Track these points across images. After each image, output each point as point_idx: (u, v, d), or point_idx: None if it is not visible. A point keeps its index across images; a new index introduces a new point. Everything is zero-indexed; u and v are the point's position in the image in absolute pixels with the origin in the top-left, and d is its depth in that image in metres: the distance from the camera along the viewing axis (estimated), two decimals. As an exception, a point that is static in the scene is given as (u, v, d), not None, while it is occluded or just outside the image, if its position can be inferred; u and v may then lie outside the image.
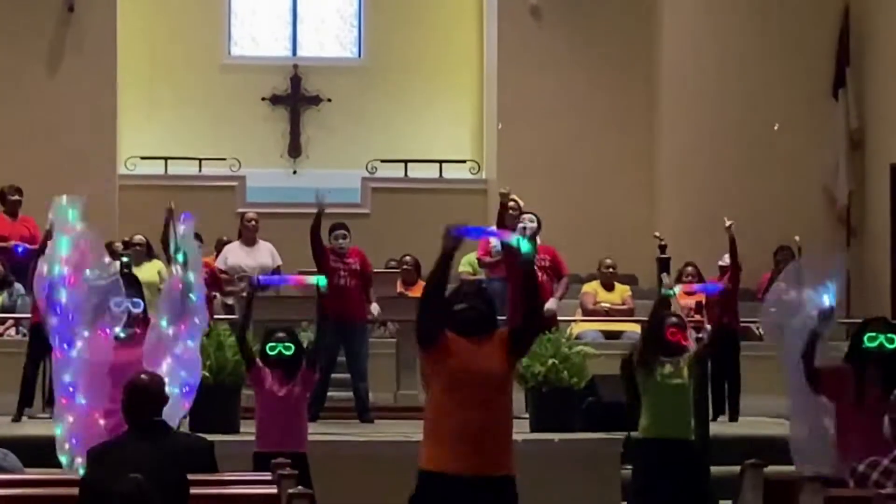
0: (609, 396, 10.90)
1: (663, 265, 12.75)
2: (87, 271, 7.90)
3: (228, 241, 14.58)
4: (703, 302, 13.26)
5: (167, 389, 6.72)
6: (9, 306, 13.76)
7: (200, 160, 17.74)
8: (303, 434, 8.65)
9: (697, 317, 12.93)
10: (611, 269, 14.81)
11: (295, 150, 18.27)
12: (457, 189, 17.74)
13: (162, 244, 13.09)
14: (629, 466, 9.93)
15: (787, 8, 16.89)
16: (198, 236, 13.00)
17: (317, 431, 9.64)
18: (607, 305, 14.62)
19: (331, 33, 18.80)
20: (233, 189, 17.46)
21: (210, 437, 6.96)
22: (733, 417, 12.84)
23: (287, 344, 8.68)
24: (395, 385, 12.81)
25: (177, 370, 7.89)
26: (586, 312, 14.62)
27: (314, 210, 11.78)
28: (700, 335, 12.12)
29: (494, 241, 12.72)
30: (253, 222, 14.26)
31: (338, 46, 18.83)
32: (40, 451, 8.33)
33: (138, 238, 14.05)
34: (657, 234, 13.39)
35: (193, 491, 4.18)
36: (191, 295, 8.10)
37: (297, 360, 8.71)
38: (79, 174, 16.40)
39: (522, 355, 7.18)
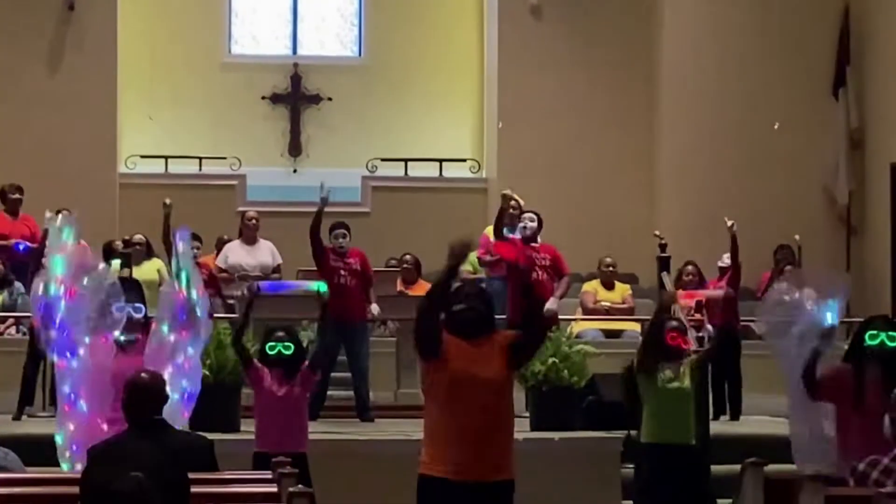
0: (609, 395, 10.91)
1: (663, 264, 12.77)
2: (84, 280, 7.87)
3: (229, 240, 14.60)
4: (704, 301, 13.26)
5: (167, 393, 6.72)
6: (9, 305, 13.77)
7: (201, 159, 17.73)
8: (303, 434, 8.63)
9: (697, 316, 12.93)
10: (611, 268, 14.81)
11: (295, 148, 18.27)
12: (457, 188, 17.74)
13: (163, 242, 13.11)
14: (629, 465, 9.95)
15: (787, 7, 16.90)
16: (196, 236, 13.09)
17: (317, 430, 9.64)
18: (607, 304, 14.63)
19: (331, 32, 18.80)
20: (233, 188, 17.46)
21: (210, 436, 6.97)
22: (735, 417, 12.84)
23: (287, 343, 8.66)
24: (396, 384, 12.81)
25: (178, 378, 7.87)
26: (586, 311, 14.63)
27: (314, 209, 11.79)
28: (700, 334, 12.14)
29: (494, 241, 12.72)
30: (253, 221, 14.27)
31: (338, 45, 18.83)
32: (41, 450, 8.32)
33: (138, 237, 14.05)
34: (657, 233, 13.42)
35: (194, 489, 4.18)
36: (196, 309, 8.07)
37: (296, 359, 8.70)
38: (79, 173, 16.44)
39: (521, 367, 7.20)
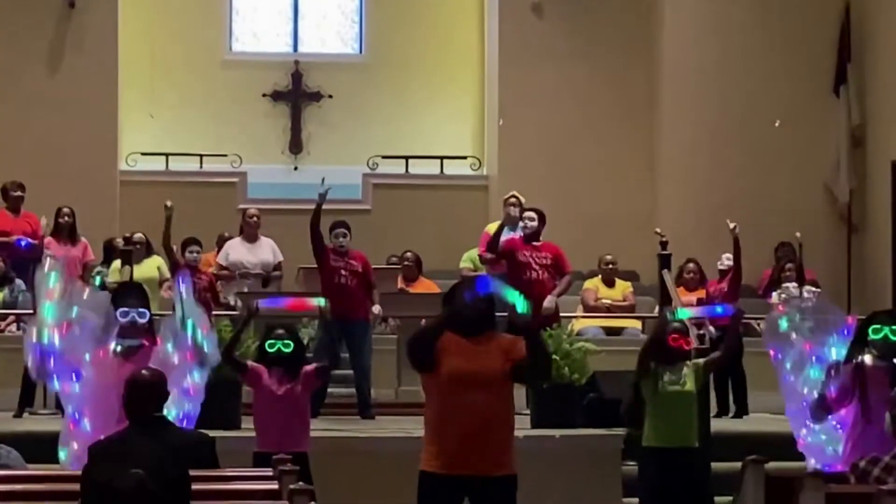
0: (610, 393, 10.90)
1: (664, 262, 12.76)
2: (74, 310, 7.80)
3: (230, 237, 14.60)
4: (706, 298, 13.25)
5: (165, 412, 6.68)
6: (10, 302, 13.78)
7: (201, 156, 17.74)
8: (304, 433, 8.54)
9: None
10: (611, 266, 14.82)
11: (296, 146, 18.27)
12: (458, 185, 17.74)
13: (163, 246, 13.14)
14: (630, 462, 9.95)
15: (788, 4, 16.89)
16: (196, 241, 13.10)
17: (318, 428, 9.63)
18: (608, 302, 14.63)
19: (332, 29, 18.79)
20: (234, 185, 17.45)
21: (211, 434, 6.97)
22: (739, 414, 12.81)
23: (286, 341, 8.60)
24: (397, 381, 12.82)
25: (181, 400, 7.82)
26: (587, 309, 14.63)
27: (315, 205, 11.78)
28: (701, 332, 12.12)
29: (496, 230, 12.69)
30: (254, 218, 14.27)
31: (339, 42, 18.82)
32: (42, 448, 8.33)
33: (138, 236, 14.05)
34: (658, 230, 13.39)
35: (195, 487, 4.18)
36: (204, 347, 8.02)
37: (296, 357, 8.63)
38: (80, 170, 16.44)
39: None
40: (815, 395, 7.90)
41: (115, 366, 7.60)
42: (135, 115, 17.72)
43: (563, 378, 10.96)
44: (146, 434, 6.24)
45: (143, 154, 17.64)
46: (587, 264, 15.30)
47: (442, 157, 17.92)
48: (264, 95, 18.26)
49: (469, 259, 14.20)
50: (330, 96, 18.30)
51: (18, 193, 14.63)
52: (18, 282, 13.75)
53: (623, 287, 14.87)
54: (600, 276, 14.86)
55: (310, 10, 18.73)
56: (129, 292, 8.14)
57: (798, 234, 14.30)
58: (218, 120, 18.02)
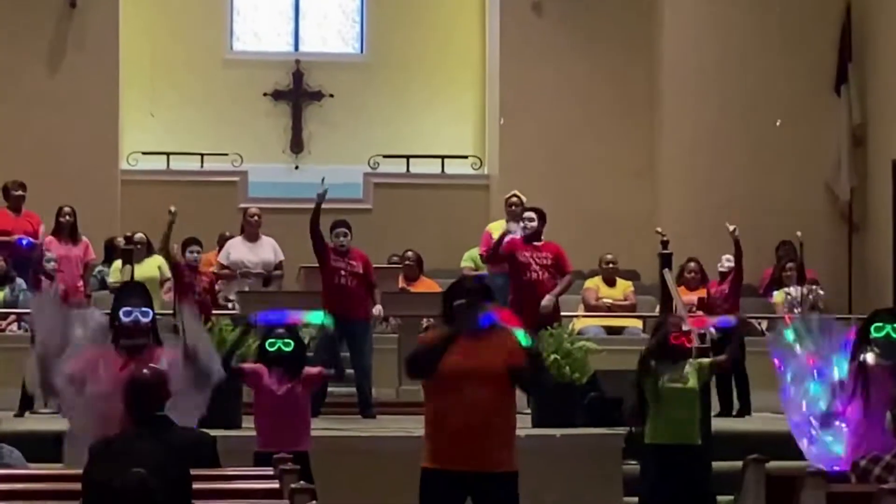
0: (611, 392, 10.90)
1: (665, 261, 12.76)
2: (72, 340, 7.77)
3: (231, 237, 14.61)
4: (706, 298, 13.26)
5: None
6: (10, 301, 13.79)
7: (202, 155, 17.74)
8: (305, 433, 8.52)
9: (700, 313, 12.93)
10: (611, 265, 14.83)
11: (297, 145, 18.27)
12: (459, 185, 17.74)
13: (161, 250, 13.16)
14: (631, 461, 9.95)
15: (788, 3, 16.89)
16: (197, 241, 13.09)
17: (319, 427, 9.62)
18: (609, 301, 14.64)
19: (333, 29, 18.79)
20: (235, 184, 17.45)
21: (212, 433, 6.96)
22: (743, 413, 12.79)
23: (287, 340, 8.59)
24: (398, 381, 12.82)
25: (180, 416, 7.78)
26: (588, 308, 14.63)
27: (314, 205, 11.79)
28: (702, 331, 12.11)
29: (497, 237, 12.69)
30: (255, 217, 14.28)
31: (340, 42, 18.82)
32: (43, 447, 8.33)
33: (139, 236, 14.06)
34: (659, 229, 13.39)
35: (196, 486, 4.17)
36: (209, 376, 7.97)
37: (297, 357, 8.62)
38: (81, 170, 16.44)
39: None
40: (820, 409, 7.88)
41: (112, 372, 7.58)
42: (136, 114, 17.72)
43: (564, 377, 10.96)
44: (147, 433, 6.22)
45: (144, 153, 17.64)
46: (588, 263, 15.31)
47: (443, 157, 17.92)
48: (265, 95, 18.26)
49: (470, 258, 14.20)
50: (331, 95, 18.30)
51: (19, 193, 14.64)
52: (19, 281, 13.76)
53: (624, 286, 14.88)
54: (601, 275, 14.87)
55: (311, 9, 18.73)
56: (131, 292, 8.11)
57: (799, 234, 14.31)
58: (219, 119, 18.02)
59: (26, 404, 11.98)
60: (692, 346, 8.82)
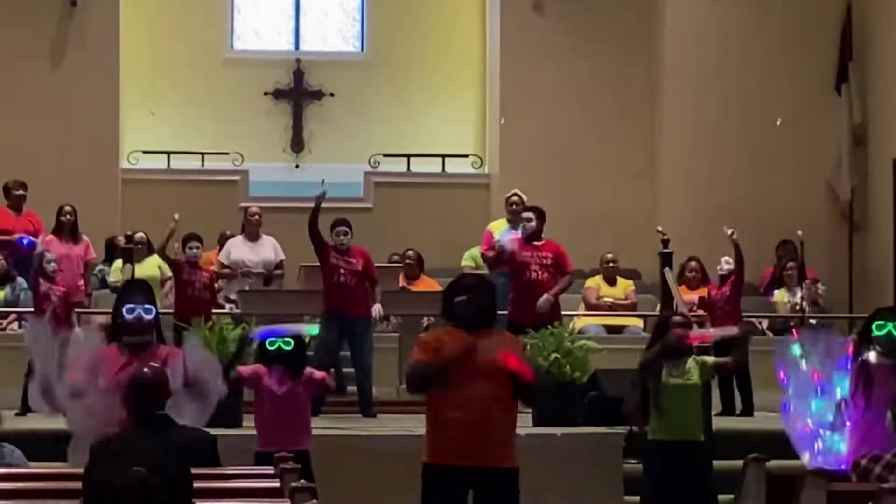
0: (611, 391, 10.89)
1: (666, 260, 12.76)
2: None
3: (231, 236, 14.61)
4: (707, 295, 13.25)
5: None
6: (11, 300, 13.80)
7: (203, 154, 17.74)
8: (306, 432, 8.54)
9: (700, 312, 12.93)
10: (611, 264, 14.83)
11: (297, 144, 18.27)
12: (459, 183, 17.74)
13: (159, 253, 13.18)
14: (632, 460, 9.95)
15: (789, 2, 16.87)
16: (197, 236, 13.10)
17: (319, 426, 9.63)
18: (610, 300, 14.64)
19: (333, 27, 18.79)
20: (235, 183, 17.45)
21: (212, 432, 6.97)
22: (746, 413, 12.76)
23: (287, 339, 8.61)
24: (398, 380, 12.82)
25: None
26: (589, 307, 14.63)
27: (312, 207, 11.79)
28: (707, 344, 12.10)
29: (498, 237, 12.70)
30: (256, 217, 14.27)
31: (340, 41, 18.82)
32: (44, 446, 8.34)
33: (139, 236, 14.07)
34: (660, 228, 13.40)
35: (196, 485, 4.17)
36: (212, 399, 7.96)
37: (297, 356, 8.63)
38: (81, 169, 16.43)
39: None
40: (828, 421, 7.89)
41: (121, 363, 7.58)
42: (136, 113, 17.72)
43: (565, 376, 10.97)
44: (148, 432, 6.23)
45: (145, 152, 17.63)
46: (588, 263, 15.31)
47: (443, 156, 17.92)
48: (266, 94, 18.26)
49: (471, 257, 14.21)
50: (331, 94, 18.30)
51: (20, 192, 14.65)
52: (20, 280, 13.77)
53: (625, 285, 14.88)
54: (602, 274, 14.87)
55: (311, 8, 18.72)
56: (135, 289, 8.12)
57: (800, 233, 14.30)
58: (219, 118, 18.02)
59: (28, 403, 11.98)
60: (693, 343, 8.82)
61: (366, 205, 17.28)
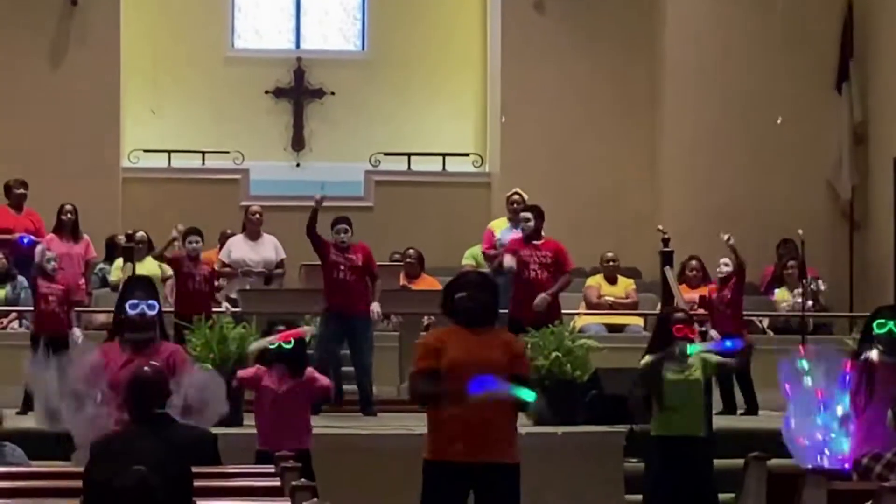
0: (612, 389, 10.90)
1: (666, 259, 12.76)
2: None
3: (232, 234, 14.60)
4: (708, 297, 13.24)
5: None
6: (12, 299, 13.80)
7: (204, 153, 17.73)
8: (306, 431, 8.55)
9: (701, 311, 12.92)
10: (613, 263, 14.82)
11: (298, 143, 18.26)
12: (460, 182, 17.73)
13: (158, 256, 13.18)
14: (633, 459, 9.96)
15: (790, 0, 16.86)
16: (198, 230, 13.11)
17: (320, 425, 9.64)
18: (611, 299, 14.64)
19: (334, 26, 18.78)
20: (236, 182, 17.44)
21: (213, 430, 6.97)
22: (749, 413, 12.74)
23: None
24: (399, 378, 12.82)
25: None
26: (590, 306, 14.63)
27: (311, 211, 11.81)
28: (703, 328, 12.12)
29: (499, 236, 12.70)
30: (257, 215, 14.27)
31: (341, 39, 18.82)
32: (45, 444, 8.33)
33: (140, 234, 14.07)
34: (661, 227, 13.39)
35: (197, 483, 4.16)
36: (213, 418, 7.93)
37: (297, 355, 8.63)
38: (82, 167, 16.43)
39: None
40: (832, 431, 7.90)
41: (123, 361, 7.56)
42: (137, 111, 17.72)
43: (566, 375, 10.97)
44: (148, 431, 6.23)
45: (146, 151, 17.62)
46: (589, 261, 15.31)
47: (444, 154, 17.92)
48: (266, 92, 18.25)
49: (471, 256, 14.20)
50: (332, 93, 18.29)
51: (21, 191, 14.65)
52: (21, 279, 13.77)
53: (625, 284, 14.87)
54: (602, 273, 14.87)
55: (312, 6, 18.72)
56: (137, 285, 8.11)
57: (800, 232, 14.29)
58: (220, 117, 18.01)
59: (29, 402, 11.97)
60: (696, 337, 8.83)
61: (366, 203, 17.28)
